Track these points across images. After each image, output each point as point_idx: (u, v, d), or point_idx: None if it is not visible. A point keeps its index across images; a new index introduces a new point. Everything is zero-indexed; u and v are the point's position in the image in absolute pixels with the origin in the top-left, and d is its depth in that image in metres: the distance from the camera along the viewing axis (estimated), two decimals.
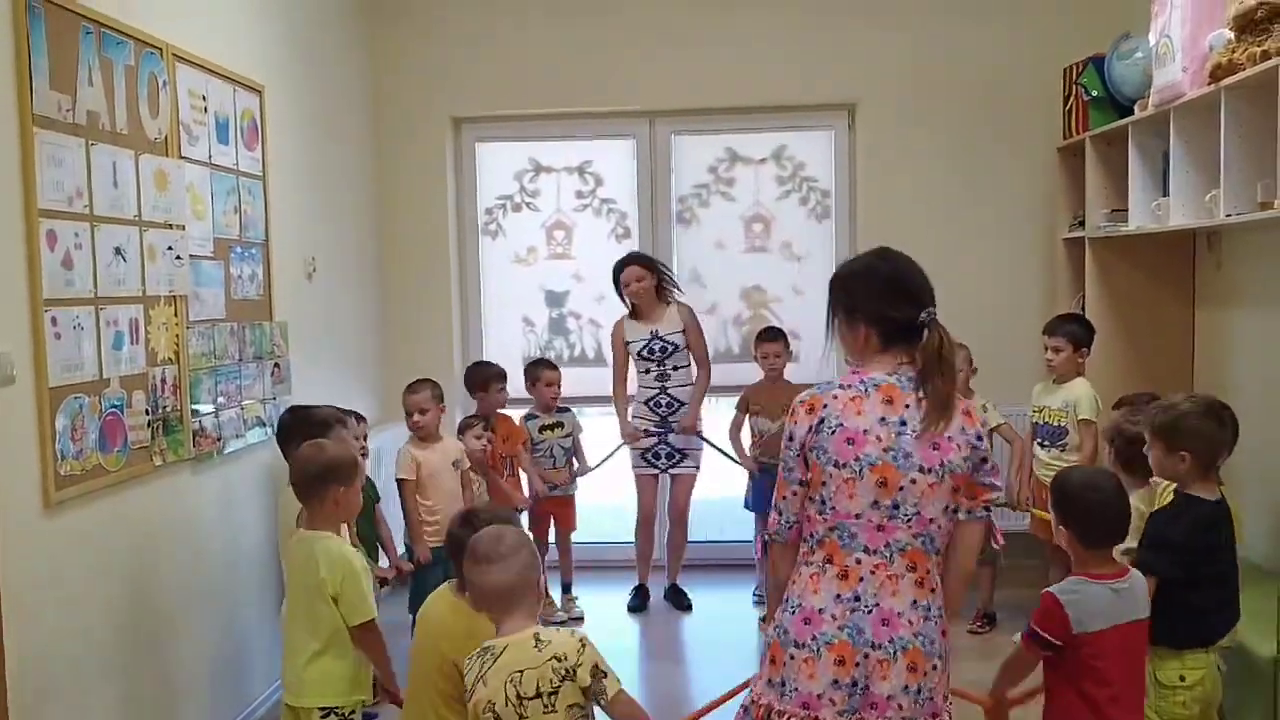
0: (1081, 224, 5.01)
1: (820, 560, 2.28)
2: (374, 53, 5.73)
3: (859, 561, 2.25)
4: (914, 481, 2.24)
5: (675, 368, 5.20)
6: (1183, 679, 2.86)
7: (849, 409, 2.26)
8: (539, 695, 2.29)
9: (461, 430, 4.74)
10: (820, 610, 2.26)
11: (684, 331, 5.21)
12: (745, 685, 2.60)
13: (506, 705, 2.29)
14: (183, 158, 3.65)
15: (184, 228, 3.63)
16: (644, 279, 5.18)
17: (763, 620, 2.64)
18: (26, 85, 2.82)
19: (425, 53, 5.77)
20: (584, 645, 2.35)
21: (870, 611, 2.24)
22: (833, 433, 2.25)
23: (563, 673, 2.30)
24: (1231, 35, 3.57)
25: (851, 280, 2.42)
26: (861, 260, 2.46)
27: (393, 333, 5.83)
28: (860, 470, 2.23)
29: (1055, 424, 4.52)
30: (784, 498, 2.34)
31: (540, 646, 2.33)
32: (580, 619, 5.13)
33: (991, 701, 2.79)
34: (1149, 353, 4.78)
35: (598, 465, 5.35)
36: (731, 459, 5.27)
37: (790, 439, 2.31)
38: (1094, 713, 2.54)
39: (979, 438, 2.31)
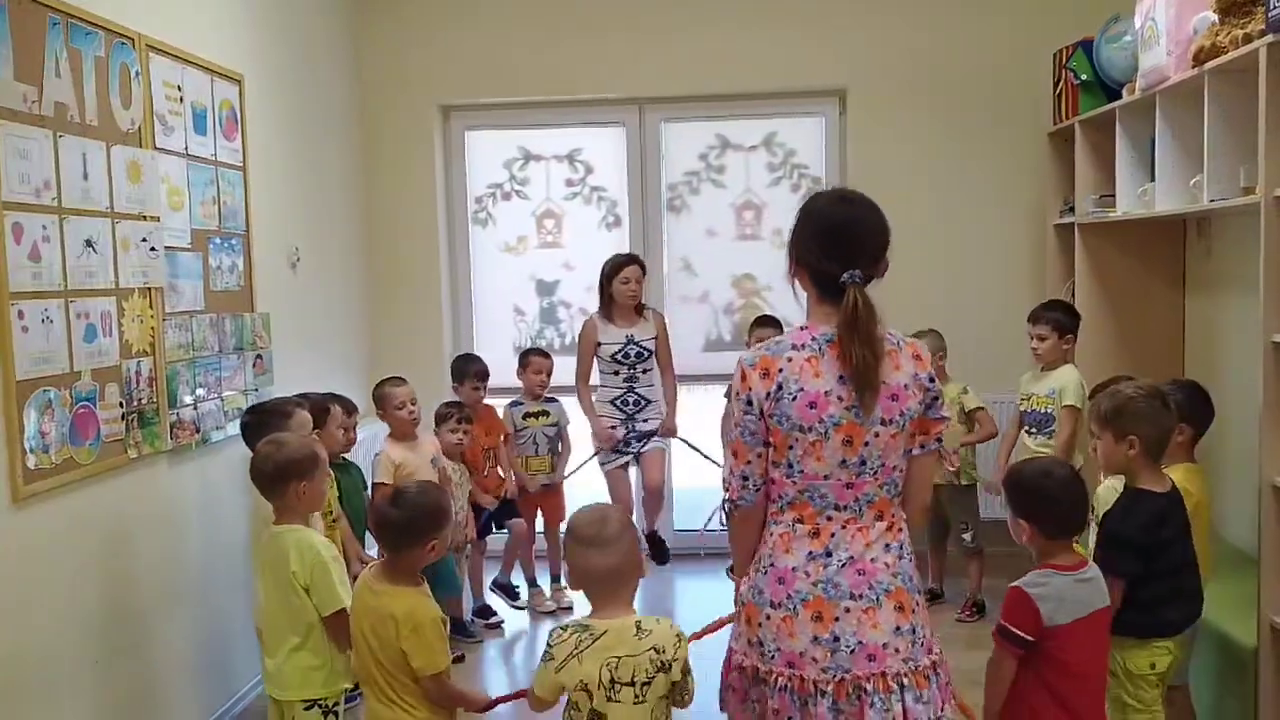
0: (1072, 210, 4.97)
1: (790, 520, 2.25)
2: (360, 40, 5.70)
3: (830, 519, 2.23)
4: (877, 435, 2.20)
5: (644, 370, 5.18)
6: (1153, 666, 2.87)
7: (806, 371, 2.20)
8: (633, 683, 2.30)
9: (439, 421, 4.71)
10: (794, 569, 2.23)
11: (656, 339, 5.19)
12: (725, 621, 2.57)
13: (600, 688, 2.31)
14: (157, 149, 3.63)
15: (159, 219, 3.61)
16: (641, 281, 5.16)
17: (729, 571, 2.63)
18: None
19: (413, 40, 5.75)
20: (680, 640, 2.35)
21: (844, 565, 2.22)
22: (793, 398, 2.19)
23: (659, 664, 2.31)
24: (1215, 18, 3.53)
25: (801, 217, 2.33)
26: (820, 199, 2.35)
27: (382, 323, 5.82)
28: (826, 432, 2.19)
29: (1042, 411, 4.48)
30: (747, 462, 2.26)
31: (641, 635, 2.33)
32: (570, 609, 5.12)
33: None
34: (1139, 339, 4.74)
35: (573, 472, 5.30)
36: (710, 460, 5.21)
37: (749, 404, 2.22)
38: (1059, 703, 2.53)
39: (930, 379, 2.27)
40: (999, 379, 5.08)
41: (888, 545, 2.25)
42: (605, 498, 5.15)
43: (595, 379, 5.25)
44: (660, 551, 5.31)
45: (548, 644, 2.40)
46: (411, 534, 2.73)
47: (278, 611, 3.04)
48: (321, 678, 3.02)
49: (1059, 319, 4.48)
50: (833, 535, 2.23)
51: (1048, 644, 2.53)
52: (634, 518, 5.31)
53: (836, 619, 2.20)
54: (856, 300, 2.17)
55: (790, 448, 2.21)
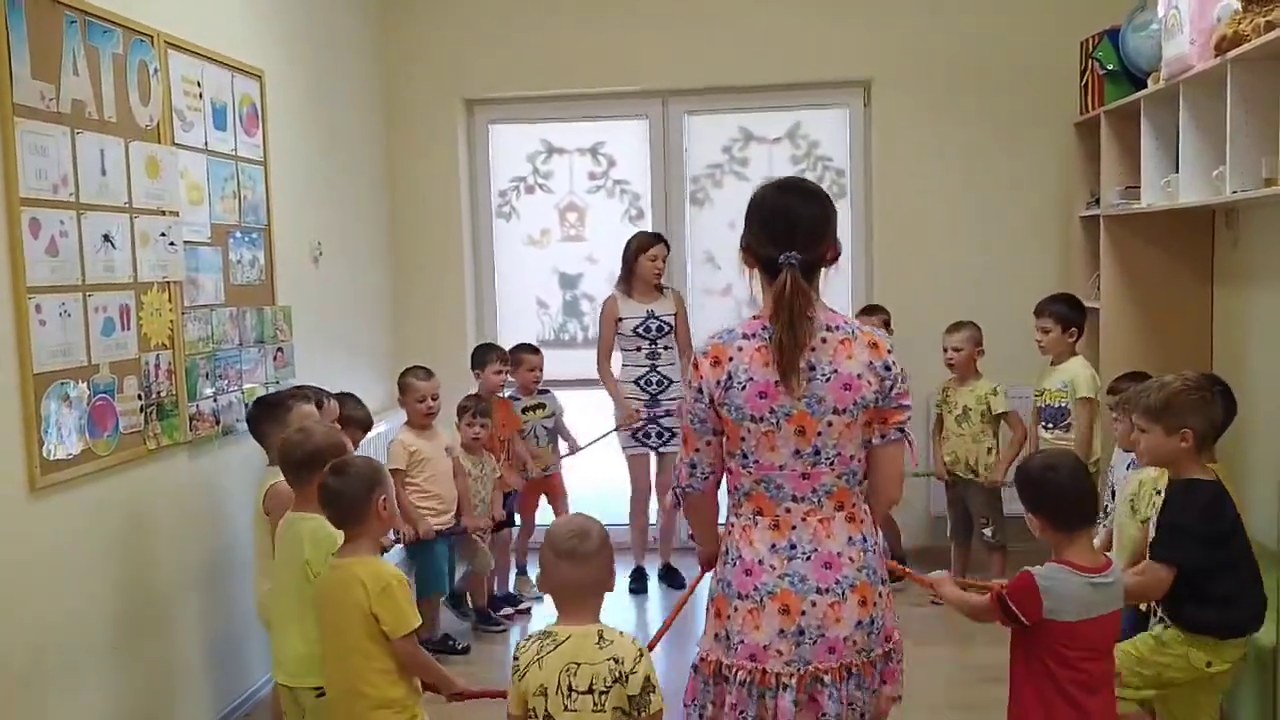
0: (1098, 201, 4.91)
1: (750, 512, 2.30)
2: (383, 34, 5.73)
3: (789, 510, 2.26)
4: (830, 424, 2.22)
5: (665, 347, 5.22)
6: (1209, 665, 2.85)
7: (756, 360, 2.22)
8: (591, 691, 2.31)
9: (459, 414, 4.73)
10: (759, 561, 2.27)
11: (675, 315, 5.22)
12: (699, 579, 2.61)
13: (557, 693, 2.32)
14: (176, 145, 3.67)
15: (178, 214, 3.65)
16: (666, 259, 5.23)
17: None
18: (6, 74, 2.85)
19: (436, 34, 5.77)
20: (642, 654, 2.36)
21: (809, 558, 2.25)
22: (743, 388, 2.22)
23: (617, 674, 2.31)
24: (1238, 6, 3.46)
25: (747, 208, 2.35)
26: (761, 189, 2.36)
27: (405, 316, 5.85)
28: (777, 422, 2.22)
29: (1056, 405, 4.46)
30: (696, 450, 2.31)
31: (602, 645, 2.34)
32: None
33: (940, 587, 2.87)
34: (1165, 331, 4.66)
35: (588, 445, 5.34)
36: None
37: (699, 392, 2.27)
38: (1062, 695, 2.53)
39: (887, 367, 2.26)
40: (1022, 374, 5.01)
41: (851, 538, 2.28)
42: (614, 487, 5.19)
43: (618, 362, 5.28)
44: (676, 582, 5.34)
45: (514, 656, 2.42)
46: (356, 495, 2.78)
47: (289, 598, 3.06)
48: None
49: (1061, 312, 4.46)
50: (793, 528, 2.26)
51: (1051, 635, 2.53)
52: (650, 508, 5.37)
53: (803, 612, 2.24)
54: (787, 281, 2.19)
55: (743, 438, 2.25)
